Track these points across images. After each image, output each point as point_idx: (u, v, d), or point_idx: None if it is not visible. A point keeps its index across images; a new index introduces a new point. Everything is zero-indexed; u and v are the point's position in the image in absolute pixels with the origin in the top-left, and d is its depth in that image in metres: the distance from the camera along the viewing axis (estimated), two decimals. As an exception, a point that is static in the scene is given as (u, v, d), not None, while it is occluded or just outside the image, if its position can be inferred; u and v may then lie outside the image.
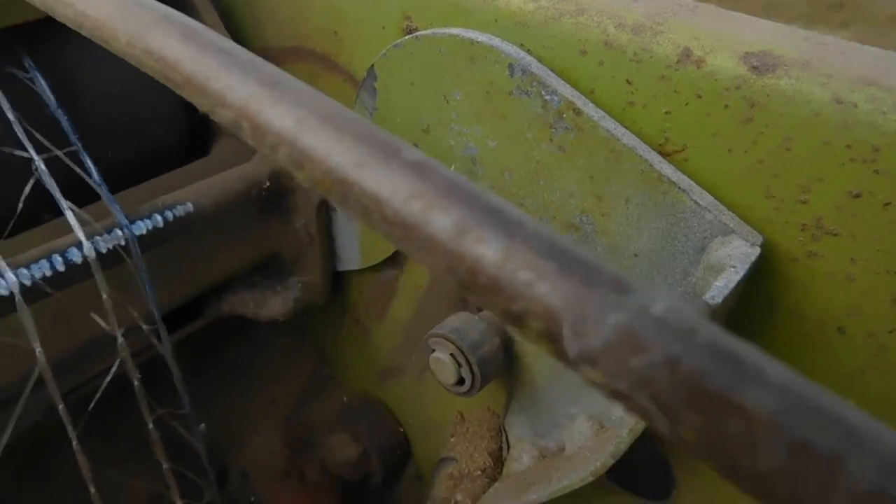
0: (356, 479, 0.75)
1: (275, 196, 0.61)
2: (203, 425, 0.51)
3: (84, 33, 0.23)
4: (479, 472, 0.58)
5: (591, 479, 0.44)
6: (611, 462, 0.41)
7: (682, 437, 0.12)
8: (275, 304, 0.65)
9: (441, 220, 0.15)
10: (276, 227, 0.65)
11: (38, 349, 0.41)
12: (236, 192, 0.56)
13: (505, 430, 0.57)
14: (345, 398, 0.79)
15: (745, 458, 0.11)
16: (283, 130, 0.17)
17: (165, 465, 0.48)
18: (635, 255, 0.39)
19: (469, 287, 0.15)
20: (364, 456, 0.73)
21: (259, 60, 0.19)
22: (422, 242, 0.15)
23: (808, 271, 0.35)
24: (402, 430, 0.73)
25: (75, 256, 0.43)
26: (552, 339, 0.14)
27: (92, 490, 0.44)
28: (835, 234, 0.33)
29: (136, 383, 0.46)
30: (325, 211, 0.63)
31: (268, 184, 0.59)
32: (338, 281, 0.70)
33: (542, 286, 0.14)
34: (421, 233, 0.15)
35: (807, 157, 0.32)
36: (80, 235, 0.42)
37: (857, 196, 0.31)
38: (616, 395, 0.13)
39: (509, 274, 0.14)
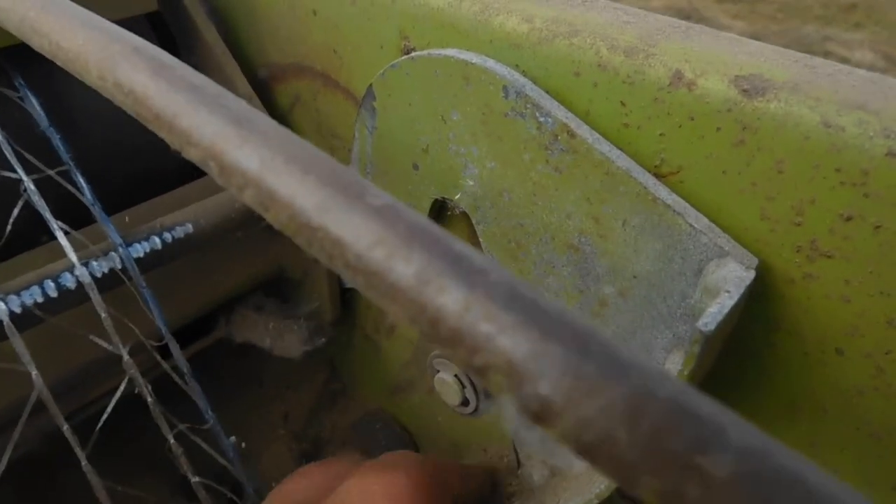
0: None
1: (277, 213, 0.61)
2: (234, 438, 0.51)
3: (59, 64, 0.23)
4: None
5: (596, 502, 0.43)
6: (615, 485, 0.41)
7: (643, 498, 0.12)
8: (292, 343, 0.65)
9: (403, 269, 0.14)
10: (281, 244, 0.65)
11: (34, 373, 0.41)
12: (237, 211, 0.56)
13: (515, 449, 0.57)
14: (357, 413, 0.78)
15: (703, 525, 0.11)
16: (249, 171, 0.17)
17: (195, 479, 0.47)
18: (634, 277, 0.38)
19: (432, 337, 0.14)
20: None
21: (229, 97, 0.19)
22: (384, 290, 0.15)
23: (805, 292, 0.34)
24: (415, 446, 0.73)
25: (68, 281, 0.43)
26: (513, 395, 0.13)
27: (105, 501, 0.44)
28: (829, 256, 0.32)
29: (149, 400, 0.45)
30: (328, 228, 0.63)
31: (270, 202, 0.59)
32: (347, 296, 0.70)
33: (502, 339, 0.13)
34: (383, 281, 0.15)
35: (799, 179, 0.32)
36: (73, 259, 0.42)
37: (849, 219, 0.31)
38: (577, 451, 0.13)
39: (470, 326, 0.14)
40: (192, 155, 0.18)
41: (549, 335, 0.13)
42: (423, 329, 0.14)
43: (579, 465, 0.50)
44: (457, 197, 0.46)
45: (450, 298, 0.14)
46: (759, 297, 0.36)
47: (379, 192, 0.16)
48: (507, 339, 0.13)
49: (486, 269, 0.14)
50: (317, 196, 0.16)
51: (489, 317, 0.13)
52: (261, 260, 0.65)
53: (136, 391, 0.46)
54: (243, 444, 0.52)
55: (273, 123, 0.18)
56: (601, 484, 0.42)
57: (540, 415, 0.13)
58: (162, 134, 0.19)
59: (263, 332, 0.66)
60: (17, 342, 0.40)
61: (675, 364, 0.36)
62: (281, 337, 0.66)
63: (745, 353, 0.39)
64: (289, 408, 0.82)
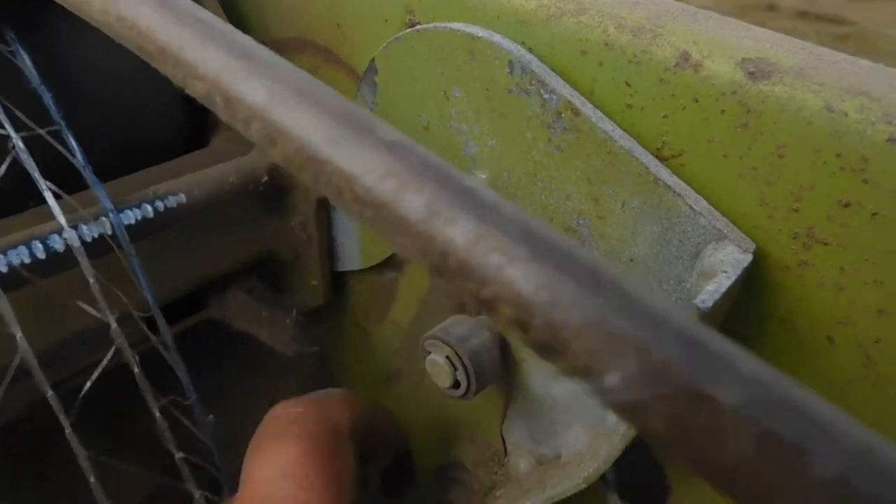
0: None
1: (272, 192, 0.61)
2: (212, 416, 0.50)
3: (58, 1, 0.22)
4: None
5: (584, 485, 0.43)
6: (604, 468, 0.41)
7: (650, 427, 0.12)
8: (286, 337, 0.65)
9: (413, 200, 0.14)
10: (273, 224, 0.64)
11: (18, 335, 0.40)
12: (232, 185, 0.56)
13: (503, 437, 0.56)
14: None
15: (713, 449, 0.11)
16: (255, 104, 0.17)
17: (178, 455, 0.46)
18: (631, 260, 0.38)
19: (441, 270, 0.14)
20: (362, 461, 0.72)
21: (234, 31, 0.19)
22: (393, 223, 0.15)
23: (800, 280, 0.34)
24: (403, 436, 0.73)
25: (57, 244, 0.42)
26: (522, 327, 0.13)
27: (91, 479, 0.43)
28: (825, 244, 0.33)
29: (136, 370, 0.45)
30: (324, 209, 0.63)
31: (266, 178, 0.59)
32: (338, 283, 0.69)
33: (512, 271, 0.13)
34: (392, 213, 0.14)
35: (799, 164, 0.32)
36: (62, 221, 0.42)
37: (847, 205, 0.31)
38: (585, 381, 0.12)
39: (480, 257, 0.13)
40: (196, 89, 0.18)
41: (560, 269, 0.13)
42: (433, 262, 0.14)
43: (567, 454, 0.50)
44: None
45: (459, 230, 0.14)
46: (754, 285, 0.36)
47: (389, 128, 0.16)
48: (518, 271, 0.13)
49: (497, 204, 0.14)
50: (326, 129, 0.16)
51: (499, 249, 0.13)
52: (252, 239, 0.64)
53: (122, 364, 0.46)
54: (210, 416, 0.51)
55: (280, 59, 0.18)
56: (590, 467, 0.42)
57: (548, 347, 0.13)
58: (166, 69, 0.19)
59: (258, 321, 0.66)
60: (3, 303, 0.39)
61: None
62: (276, 329, 0.66)
63: (739, 342, 0.39)
64: (277, 396, 0.81)
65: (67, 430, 0.42)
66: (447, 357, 0.47)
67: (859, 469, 0.11)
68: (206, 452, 0.51)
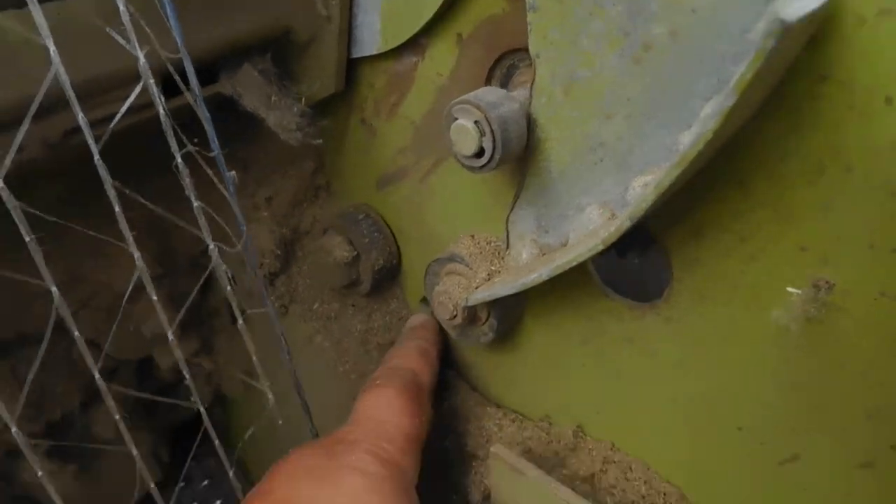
0: (344, 284, 0.75)
1: (296, -46, 0.58)
2: (234, 172, 0.49)
3: None
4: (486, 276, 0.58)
5: (601, 247, 0.43)
6: (627, 224, 0.41)
7: None
8: (289, 124, 0.63)
9: None
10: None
11: (52, 48, 0.38)
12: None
13: (507, 228, 0.56)
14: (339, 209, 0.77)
15: None
16: None
17: (196, 204, 0.46)
18: (693, 11, 0.37)
19: None
20: (355, 259, 0.73)
21: None
22: None
23: (873, 33, 0.33)
24: (395, 241, 0.73)
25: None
26: None
27: (117, 209, 0.42)
28: None
29: (161, 112, 0.43)
30: (347, -19, 0.60)
31: (291, -65, 0.55)
32: (349, 77, 0.67)
33: None
34: None
35: None
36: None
37: None
38: None
39: None
40: None
41: None
42: None
43: (575, 237, 0.50)
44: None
45: None
46: (821, 43, 0.35)
47: None
48: None
49: None
50: None
51: None
52: (267, 13, 0.61)
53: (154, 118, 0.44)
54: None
55: None
56: (611, 227, 0.43)
57: None
58: None
59: (267, 104, 0.63)
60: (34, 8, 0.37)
61: (716, 106, 0.34)
62: (283, 115, 0.64)
63: (783, 109, 0.38)
64: (273, 192, 0.81)
65: (96, 158, 0.41)
66: (476, 122, 0.46)
67: None
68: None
